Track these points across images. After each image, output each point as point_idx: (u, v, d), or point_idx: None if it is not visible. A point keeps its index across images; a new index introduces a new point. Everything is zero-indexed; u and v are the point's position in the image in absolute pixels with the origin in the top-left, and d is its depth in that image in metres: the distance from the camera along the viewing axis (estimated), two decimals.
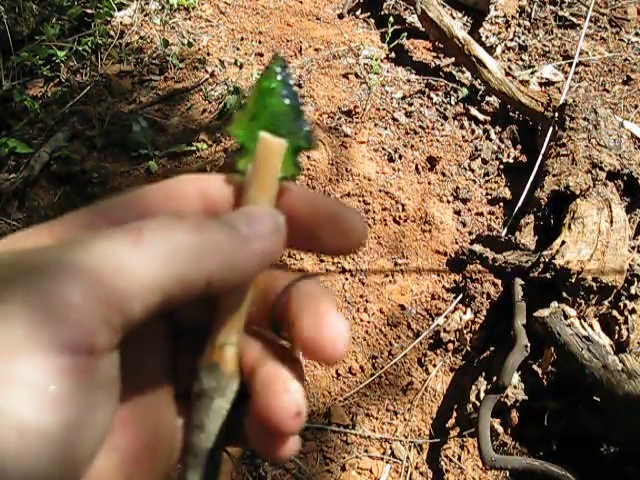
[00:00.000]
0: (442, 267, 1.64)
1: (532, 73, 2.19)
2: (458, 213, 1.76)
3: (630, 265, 1.48)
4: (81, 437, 0.19)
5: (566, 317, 1.34)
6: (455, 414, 1.40)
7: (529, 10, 2.45)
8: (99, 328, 0.20)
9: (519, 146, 1.94)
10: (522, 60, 2.28)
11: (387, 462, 1.34)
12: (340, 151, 1.82)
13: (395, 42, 2.22)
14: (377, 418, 1.41)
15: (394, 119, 1.99)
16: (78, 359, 0.19)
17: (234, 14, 2.48)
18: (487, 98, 2.06)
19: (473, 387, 1.39)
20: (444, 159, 1.89)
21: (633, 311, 1.40)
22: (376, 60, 2.12)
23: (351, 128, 1.93)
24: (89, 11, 2.39)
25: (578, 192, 1.57)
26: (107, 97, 2.16)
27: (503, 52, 2.31)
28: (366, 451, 1.36)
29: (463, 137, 1.97)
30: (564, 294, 1.38)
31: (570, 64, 2.17)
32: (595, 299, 1.40)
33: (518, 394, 1.33)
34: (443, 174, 1.86)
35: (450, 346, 1.48)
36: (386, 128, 1.96)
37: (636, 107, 2.07)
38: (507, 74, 2.09)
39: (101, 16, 2.38)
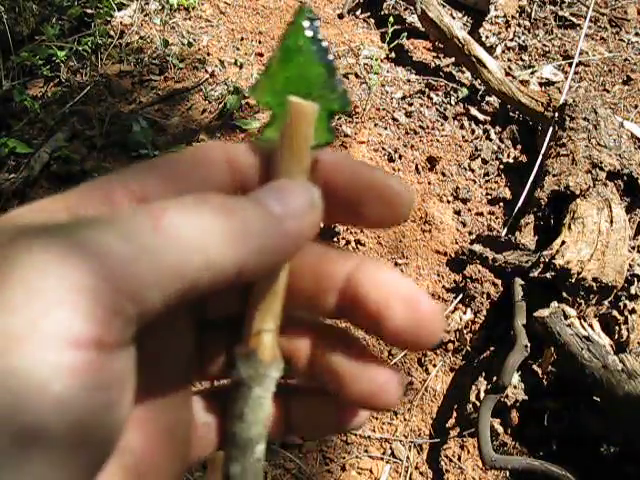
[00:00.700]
0: (442, 267, 1.64)
1: (532, 73, 2.19)
2: (458, 213, 1.76)
3: (630, 265, 1.48)
4: (90, 441, 0.17)
5: (566, 317, 1.34)
6: (455, 414, 1.40)
7: (529, 10, 2.45)
8: (110, 319, 0.17)
9: (519, 146, 1.94)
10: (522, 60, 2.28)
11: (387, 462, 1.34)
12: (340, 151, 1.82)
13: (395, 42, 2.22)
14: (377, 418, 1.42)
15: (394, 119, 1.99)
16: (86, 355, 0.17)
17: (234, 14, 2.48)
18: (487, 98, 2.06)
19: (473, 387, 1.39)
20: (444, 159, 1.89)
21: (633, 311, 1.40)
22: (376, 60, 2.12)
23: (351, 128, 1.94)
24: (89, 11, 2.39)
25: (578, 192, 1.57)
26: (107, 97, 2.16)
27: (503, 52, 2.31)
28: (366, 451, 1.36)
29: (463, 137, 1.97)
30: (564, 294, 1.38)
31: (570, 64, 2.17)
32: (595, 299, 1.40)
33: (518, 394, 1.33)
34: (443, 174, 1.86)
35: (450, 346, 1.48)
36: (386, 128, 1.97)
37: (636, 107, 2.07)
38: (507, 74, 2.09)
39: (101, 16, 2.38)
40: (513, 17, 2.44)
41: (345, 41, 2.29)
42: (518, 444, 1.32)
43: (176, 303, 0.19)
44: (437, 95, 2.09)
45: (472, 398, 1.37)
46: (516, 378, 1.34)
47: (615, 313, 1.41)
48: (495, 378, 1.32)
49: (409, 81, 2.16)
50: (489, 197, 1.81)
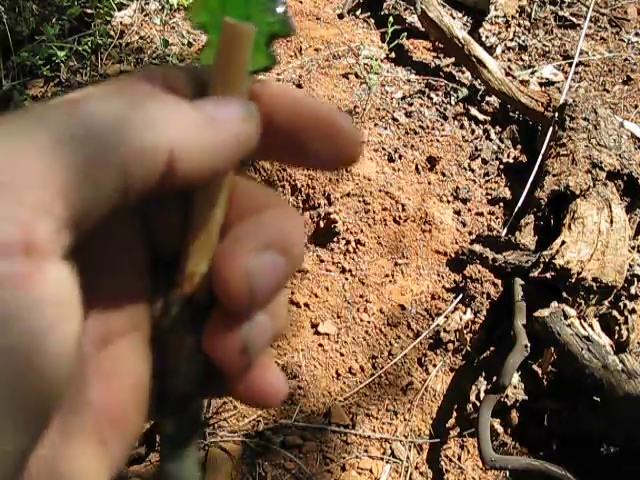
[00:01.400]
0: (442, 267, 1.64)
1: (532, 73, 2.19)
2: (458, 213, 1.76)
3: (630, 265, 1.48)
4: (31, 377, 0.15)
5: (566, 317, 1.34)
6: (455, 414, 1.40)
7: (529, 10, 2.45)
8: (37, 220, 0.15)
9: (519, 146, 1.94)
10: (522, 60, 2.28)
11: (387, 462, 1.34)
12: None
13: (395, 42, 2.22)
14: (377, 418, 1.42)
15: (394, 119, 1.99)
16: (13, 263, 0.14)
17: None
18: (487, 98, 2.06)
19: (473, 387, 1.39)
20: (444, 159, 1.89)
21: (633, 311, 1.40)
22: (376, 60, 2.12)
23: None
24: (89, 11, 2.39)
25: (578, 192, 1.57)
26: None
27: (503, 52, 2.31)
28: (366, 451, 1.36)
29: (463, 137, 1.97)
30: (564, 294, 1.38)
31: (570, 64, 2.17)
32: (595, 299, 1.40)
33: (518, 394, 1.33)
34: (443, 174, 1.86)
35: (450, 346, 1.48)
36: (386, 128, 1.97)
37: (636, 107, 2.07)
38: (507, 74, 2.09)
39: (101, 16, 2.38)
40: (513, 17, 2.44)
41: (345, 41, 2.29)
42: (518, 444, 1.32)
43: (115, 202, 0.17)
44: (437, 95, 2.09)
45: (472, 398, 1.37)
46: (516, 378, 1.34)
47: (615, 313, 1.41)
48: (495, 378, 1.32)
49: (409, 81, 2.16)
50: (489, 197, 1.81)
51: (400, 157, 1.87)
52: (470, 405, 1.36)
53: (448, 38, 2.10)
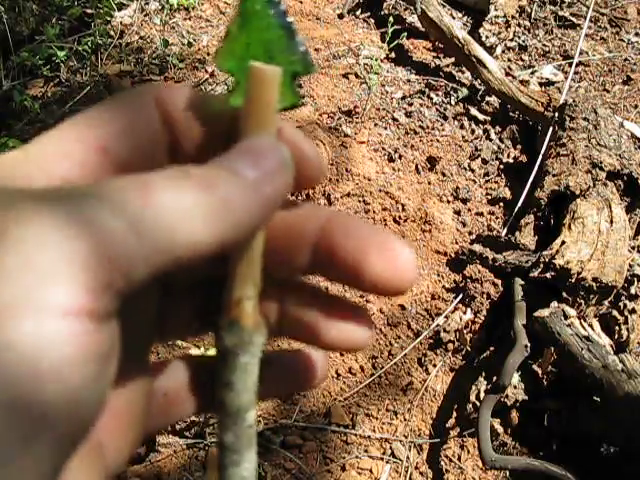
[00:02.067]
0: (442, 267, 1.64)
1: (532, 73, 2.19)
2: (458, 213, 1.76)
3: (630, 265, 1.48)
4: (77, 417, 0.17)
5: (566, 317, 1.34)
6: (455, 414, 1.40)
7: (529, 10, 2.45)
8: (102, 291, 0.18)
9: (519, 146, 1.94)
10: (522, 60, 2.28)
11: (387, 462, 1.34)
12: (340, 151, 1.82)
13: (395, 42, 2.22)
14: (377, 418, 1.42)
15: (394, 119, 1.99)
16: (80, 325, 0.17)
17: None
18: (487, 98, 2.06)
19: (473, 387, 1.39)
20: (444, 159, 1.89)
21: (633, 311, 1.40)
22: (376, 60, 2.12)
23: (351, 128, 1.94)
24: (89, 11, 2.39)
25: (578, 192, 1.57)
26: (107, 97, 2.15)
27: (503, 52, 2.31)
28: (366, 451, 1.36)
29: (463, 137, 1.97)
30: (564, 294, 1.38)
31: (570, 64, 2.17)
32: (595, 299, 1.40)
33: (518, 394, 1.33)
34: (443, 174, 1.86)
35: (450, 346, 1.48)
36: (386, 128, 1.97)
37: (636, 107, 2.07)
38: (507, 74, 2.09)
39: (101, 16, 2.38)
40: (513, 17, 2.44)
41: (345, 41, 2.29)
42: (518, 444, 1.32)
43: (157, 275, 0.20)
44: (437, 95, 2.09)
45: (472, 398, 1.37)
46: (516, 378, 1.34)
47: (615, 313, 1.41)
48: (495, 378, 1.32)
49: (409, 81, 2.16)
50: (489, 197, 1.81)
51: (400, 157, 1.87)
52: (470, 405, 1.36)
53: (448, 38, 2.10)
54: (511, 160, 1.90)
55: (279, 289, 0.26)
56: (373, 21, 2.45)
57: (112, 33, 2.36)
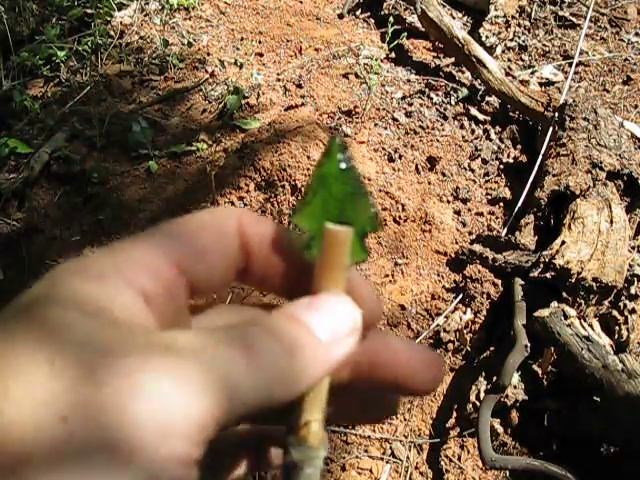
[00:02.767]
0: (442, 267, 1.64)
1: (532, 73, 2.19)
2: (458, 213, 1.76)
3: (630, 265, 1.48)
4: None
5: (566, 317, 1.34)
6: (455, 414, 1.40)
7: (529, 10, 2.45)
8: (202, 442, 0.20)
9: (519, 146, 1.94)
10: (522, 60, 2.28)
11: (387, 462, 1.34)
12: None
13: (395, 42, 2.22)
14: None
15: (394, 119, 1.99)
16: (189, 473, 0.19)
17: (234, 14, 2.48)
18: (487, 98, 2.06)
19: (473, 387, 1.39)
20: (444, 159, 1.89)
21: (633, 311, 1.40)
22: (376, 60, 2.12)
23: (351, 128, 1.94)
24: (89, 11, 2.39)
25: (578, 192, 1.57)
26: (107, 97, 2.16)
27: (503, 52, 2.31)
28: (366, 451, 1.36)
29: (463, 137, 1.97)
30: (564, 294, 1.38)
31: (570, 64, 2.17)
32: (595, 299, 1.40)
33: (518, 394, 1.33)
34: (443, 174, 1.86)
35: (450, 346, 1.48)
36: (386, 128, 1.97)
37: (636, 107, 2.07)
38: (507, 74, 2.09)
39: (101, 16, 2.38)
40: (513, 17, 2.44)
41: (345, 41, 2.29)
42: (518, 444, 1.32)
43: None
44: (437, 95, 2.09)
45: (472, 398, 1.37)
46: (516, 378, 1.34)
47: (615, 313, 1.41)
48: (495, 378, 1.32)
49: (409, 81, 2.16)
50: (489, 197, 1.81)
51: (400, 157, 1.87)
52: (470, 405, 1.36)
53: (448, 38, 2.10)
54: (511, 160, 1.90)
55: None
56: (373, 21, 2.45)
57: (112, 33, 2.36)
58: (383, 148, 1.89)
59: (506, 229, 1.70)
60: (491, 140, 1.96)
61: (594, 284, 1.37)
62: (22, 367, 0.19)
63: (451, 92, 2.09)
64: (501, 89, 1.97)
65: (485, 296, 1.50)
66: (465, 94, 2.07)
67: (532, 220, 1.62)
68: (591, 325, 1.37)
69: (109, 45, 2.29)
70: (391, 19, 2.20)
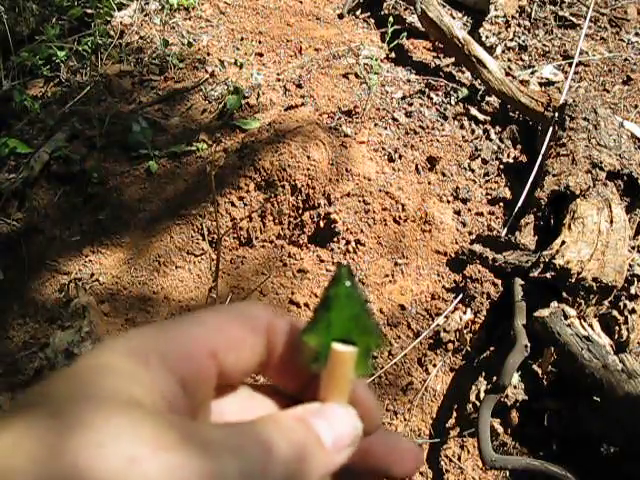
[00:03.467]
0: (442, 267, 1.64)
1: (532, 73, 2.19)
2: (458, 213, 1.76)
3: (630, 265, 1.48)
4: None
5: (566, 317, 1.34)
6: (455, 414, 1.40)
7: (529, 10, 2.45)
8: None
9: (519, 146, 1.94)
10: (522, 60, 2.28)
11: None
12: (340, 151, 1.82)
13: (395, 42, 2.22)
14: None
15: (394, 119, 1.99)
16: None
17: (234, 14, 2.48)
18: (487, 98, 2.06)
19: (473, 387, 1.39)
20: (444, 159, 1.89)
21: (633, 311, 1.40)
22: (376, 60, 2.12)
23: (351, 128, 1.94)
24: (89, 11, 2.39)
25: (578, 192, 1.57)
26: (107, 97, 2.16)
27: (503, 52, 2.31)
28: None
29: (463, 137, 1.97)
30: (564, 294, 1.38)
31: (570, 64, 2.17)
32: (595, 299, 1.40)
33: (518, 394, 1.33)
34: (443, 174, 1.86)
35: (450, 346, 1.48)
36: (386, 128, 1.96)
37: (636, 107, 2.07)
38: (507, 74, 2.09)
39: (101, 16, 2.38)
40: (513, 17, 2.44)
41: (345, 41, 2.29)
42: (518, 444, 1.32)
43: None
44: (437, 95, 2.09)
45: (472, 398, 1.37)
46: (516, 378, 1.34)
47: (615, 313, 1.41)
48: (495, 378, 1.32)
49: (409, 81, 2.16)
50: (489, 197, 1.81)
51: (400, 157, 1.87)
52: (470, 405, 1.36)
53: (448, 38, 2.10)
54: (511, 160, 1.90)
55: None
56: (373, 21, 2.45)
57: (112, 33, 2.36)
58: (383, 148, 1.89)
59: (506, 229, 1.70)
60: (491, 140, 1.96)
61: (594, 284, 1.37)
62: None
63: (451, 92, 2.09)
64: (501, 89, 1.97)
65: (485, 296, 1.50)
66: (465, 94, 2.07)
67: (532, 220, 1.62)
68: (591, 325, 1.37)
69: (109, 45, 2.29)
70: (391, 19, 2.20)
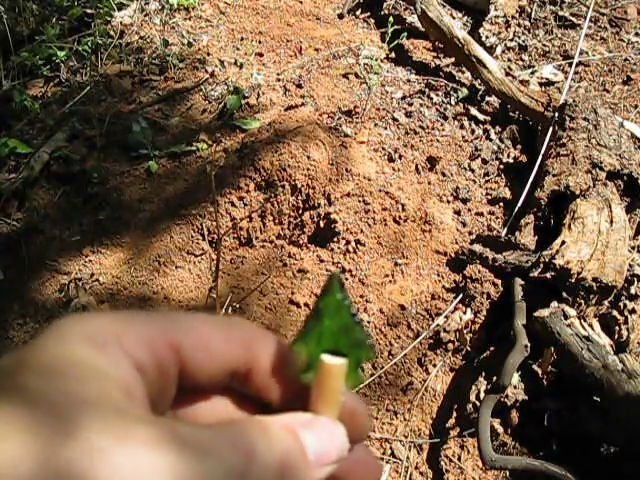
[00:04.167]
0: (442, 267, 1.64)
1: (532, 73, 2.19)
2: (458, 213, 1.76)
3: (630, 265, 1.48)
4: None
5: (566, 317, 1.34)
6: (455, 414, 1.40)
7: (529, 10, 2.45)
8: None
9: (519, 146, 1.94)
10: (522, 60, 2.28)
11: (387, 462, 1.34)
12: (340, 151, 1.82)
13: (395, 42, 2.22)
14: (377, 418, 1.41)
15: (394, 119, 1.99)
16: None
17: (234, 14, 2.48)
18: (487, 98, 2.06)
19: (473, 387, 1.39)
20: (444, 159, 1.89)
21: (633, 311, 1.40)
22: (376, 60, 2.12)
23: (351, 128, 1.93)
24: (89, 11, 2.39)
25: (578, 192, 1.57)
26: (107, 97, 2.16)
27: (503, 52, 2.31)
28: None
29: (463, 137, 1.97)
30: (564, 294, 1.38)
31: (570, 64, 2.17)
32: (595, 299, 1.40)
33: (518, 394, 1.33)
34: (443, 174, 1.86)
35: (450, 346, 1.48)
36: (386, 128, 1.96)
37: (636, 107, 2.07)
38: (507, 74, 2.09)
39: (101, 16, 2.38)
40: (513, 17, 2.44)
41: (345, 41, 2.29)
42: (518, 444, 1.32)
43: None
44: (437, 95, 2.09)
45: (472, 398, 1.37)
46: (516, 378, 1.34)
47: (615, 313, 1.41)
48: (495, 378, 1.32)
49: (409, 81, 2.16)
50: (489, 197, 1.81)
51: (400, 157, 1.87)
52: (470, 405, 1.36)
53: (448, 38, 2.10)
54: (511, 160, 1.90)
55: None
56: (373, 21, 2.45)
57: (112, 33, 2.36)
58: (383, 148, 1.89)
59: (506, 229, 1.70)
60: (491, 140, 1.96)
61: (594, 284, 1.37)
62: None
63: (451, 92, 2.09)
64: (501, 89, 1.97)
65: (485, 296, 1.50)
66: (465, 94, 2.07)
67: (532, 220, 1.62)
68: (591, 325, 1.37)
69: (109, 45, 2.29)
70: (391, 19, 2.20)
